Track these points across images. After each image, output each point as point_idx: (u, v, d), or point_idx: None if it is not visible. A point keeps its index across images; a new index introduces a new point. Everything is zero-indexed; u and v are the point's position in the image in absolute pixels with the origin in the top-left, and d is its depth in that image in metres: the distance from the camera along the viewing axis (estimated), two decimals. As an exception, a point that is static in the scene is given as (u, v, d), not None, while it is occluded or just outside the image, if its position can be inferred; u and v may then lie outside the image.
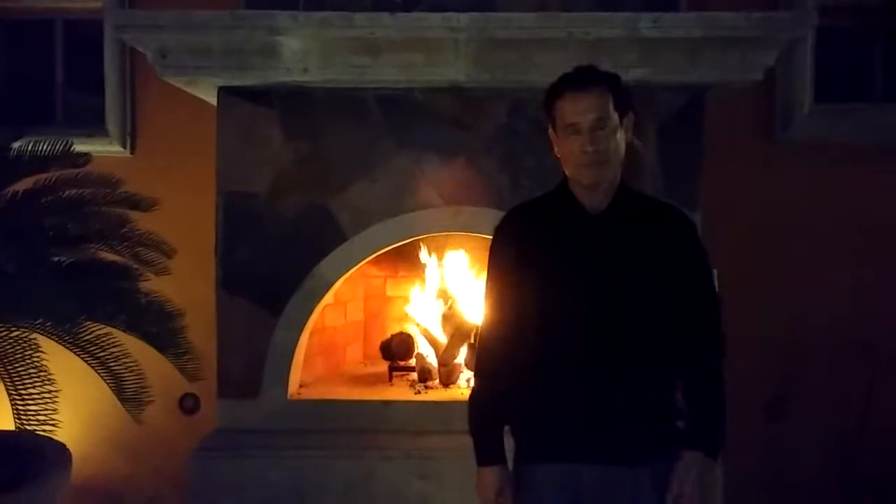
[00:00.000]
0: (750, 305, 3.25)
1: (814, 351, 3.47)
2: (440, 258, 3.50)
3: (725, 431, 1.64)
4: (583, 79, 1.57)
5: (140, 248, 2.58)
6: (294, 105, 2.90)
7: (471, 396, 1.71)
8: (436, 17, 2.64)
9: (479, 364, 1.71)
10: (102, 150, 3.41)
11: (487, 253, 1.70)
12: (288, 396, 2.94)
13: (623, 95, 1.59)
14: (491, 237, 1.71)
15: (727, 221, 3.16)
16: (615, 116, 1.56)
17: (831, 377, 3.46)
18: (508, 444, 1.68)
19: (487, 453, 1.66)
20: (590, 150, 1.54)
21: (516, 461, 1.68)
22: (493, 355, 1.67)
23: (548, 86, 1.62)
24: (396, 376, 3.32)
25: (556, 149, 1.64)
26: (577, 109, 1.55)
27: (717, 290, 1.71)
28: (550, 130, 1.64)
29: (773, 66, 2.80)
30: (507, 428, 1.69)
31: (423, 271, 3.51)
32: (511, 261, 1.63)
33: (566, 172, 1.63)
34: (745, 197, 3.44)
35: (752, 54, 2.69)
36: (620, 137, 1.58)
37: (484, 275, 1.74)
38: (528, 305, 1.60)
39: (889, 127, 3.50)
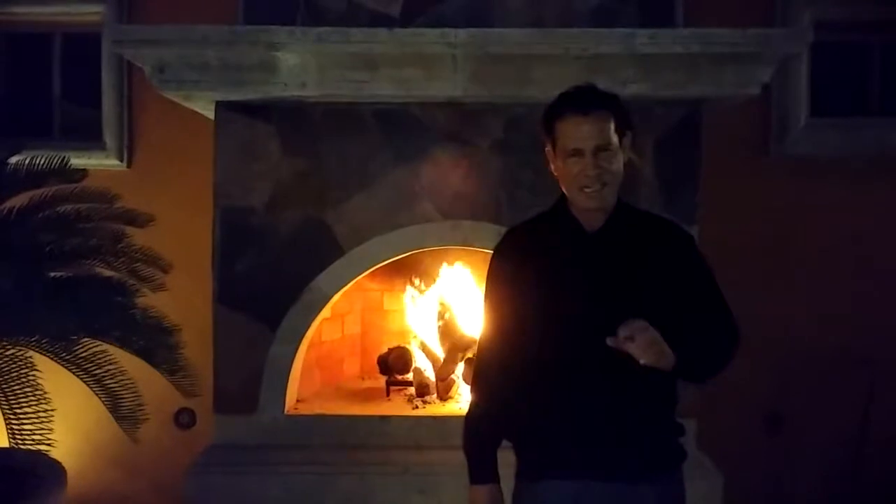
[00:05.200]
0: (747, 319, 3.23)
1: (812, 364, 3.46)
2: (437, 272, 3.50)
3: (698, 369, 1.58)
4: (585, 102, 1.55)
5: (137, 264, 2.57)
6: (292, 120, 2.91)
7: (467, 414, 1.71)
8: (433, 33, 2.65)
9: (476, 382, 1.70)
10: (99, 163, 3.42)
11: (486, 272, 1.70)
12: (285, 411, 2.93)
13: (623, 116, 1.59)
14: (488, 251, 1.71)
15: (724, 235, 3.15)
16: (616, 139, 1.56)
17: (830, 390, 3.46)
18: (505, 461, 1.67)
19: (480, 472, 1.66)
20: (592, 175, 1.54)
21: (518, 478, 1.67)
22: (490, 374, 1.67)
23: (547, 104, 1.61)
24: (394, 391, 3.31)
25: (553, 167, 1.64)
26: (580, 135, 1.54)
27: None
28: (548, 148, 1.64)
29: (769, 81, 2.81)
30: (503, 444, 1.68)
31: (420, 286, 3.51)
32: (510, 280, 1.63)
33: (565, 193, 1.63)
34: (742, 210, 3.45)
35: (749, 70, 2.70)
36: (620, 158, 1.58)
37: (482, 291, 1.73)
38: (527, 324, 1.60)
39: (885, 141, 3.51)
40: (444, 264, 3.51)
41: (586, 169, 1.54)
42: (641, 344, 1.45)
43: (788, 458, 3.52)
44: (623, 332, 1.45)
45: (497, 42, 2.65)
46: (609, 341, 1.46)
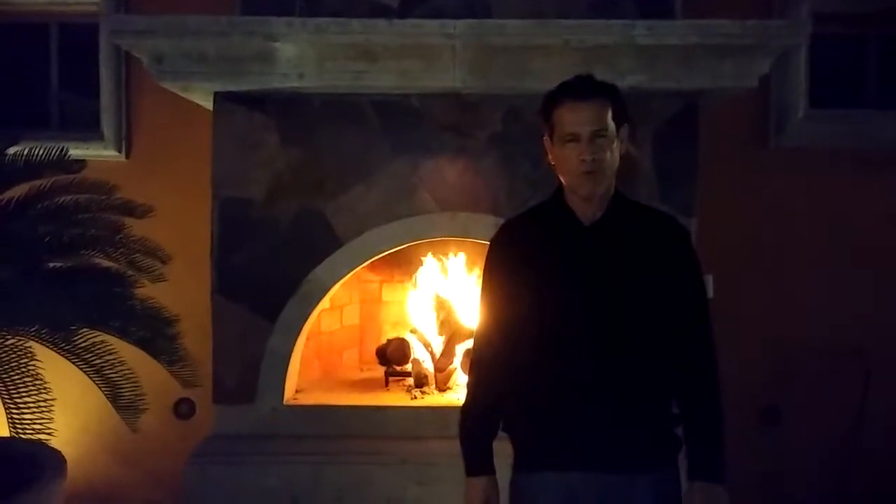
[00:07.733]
0: (745, 310, 3.26)
1: (809, 356, 3.48)
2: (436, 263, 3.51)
3: (725, 451, 1.63)
4: (583, 89, 1.57)
5: (135, 255, 2.57)
6: (290, 111, 2.91)
7: (463, 406, 1.71)
8: (432, 24, 2.65)
9: (473, 374, 1.71)
10: (97, 154, 3.42)
11: (483, 264, 1.70)
12: (283, 402, 2.94)
13: (621, 106, 1.59)
14: (486, 242, 1.71)
15: (722, 227, 3.17)
16: (613, 127, 1.57)
17: (827, 382, 3.48)
18: (501, 451, 1.68)
19: (476, 464, 1.67)
20: (588, 160, 1.54)
21: (514, 469, 1.68)
22: (487, 366, 1.67)
23: (546, 93, 1.62)
24: (392, 381, 3.32)
25: (550, 156, 1.64)
26: (577, 119, 1.55)
27: (708, 297, 1.71)
28: (546, 138, 1.64)
29: (767, 73, 2.81)
30: (500, 436, 1.69)
31: (419, 276, 3.52)
32: (507, 272, 1.64)
33: (562, 181, 1.64)
34: (740, 202, 3.46)
35: (747, 62, 2.70)
36: (616, 148, 1.58)
37: (479, 283, 1.74)
38: (524, 316, 1.61)
39: (882, 133, 3.53)
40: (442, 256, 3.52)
41: (583, 154, 1.54)
42: None
43: (785, 451, 3.53)
44: None
45: (496, 33, 2.65)
46: None
